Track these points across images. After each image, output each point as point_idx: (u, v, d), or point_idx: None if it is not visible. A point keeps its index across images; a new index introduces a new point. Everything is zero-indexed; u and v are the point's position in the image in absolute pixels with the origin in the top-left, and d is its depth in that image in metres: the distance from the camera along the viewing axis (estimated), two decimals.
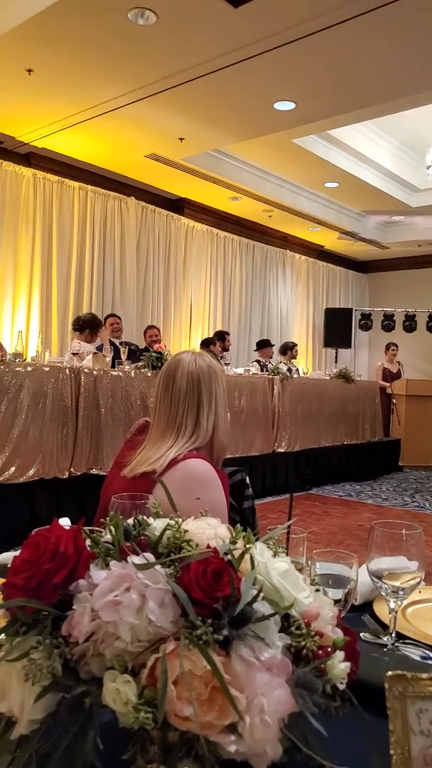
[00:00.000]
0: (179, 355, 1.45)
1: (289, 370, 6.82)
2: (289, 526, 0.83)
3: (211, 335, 7.86)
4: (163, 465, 1.28)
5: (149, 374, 4.57)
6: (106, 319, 6.24)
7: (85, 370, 4.21)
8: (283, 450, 5.98)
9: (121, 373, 4.43)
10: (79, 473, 4.11)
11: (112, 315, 6.45)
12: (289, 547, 0.90)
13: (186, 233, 8.43)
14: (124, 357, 4.87)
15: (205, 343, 7.07)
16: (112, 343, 5.80)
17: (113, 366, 4.66)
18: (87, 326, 5.43)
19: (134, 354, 5.54)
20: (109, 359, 4.61)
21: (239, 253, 9.25)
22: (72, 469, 4.10)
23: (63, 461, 4.06)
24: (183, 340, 8.34)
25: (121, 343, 5.82)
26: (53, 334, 6.79)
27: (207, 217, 8.69)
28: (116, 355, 5.10)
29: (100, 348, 5.49)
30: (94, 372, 4.26)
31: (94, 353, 4.71)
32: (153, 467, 1.29)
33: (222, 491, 1.29)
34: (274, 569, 0.59)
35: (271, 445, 5.90)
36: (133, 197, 7.66)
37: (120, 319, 6.44)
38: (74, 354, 4.66)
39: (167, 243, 8.17)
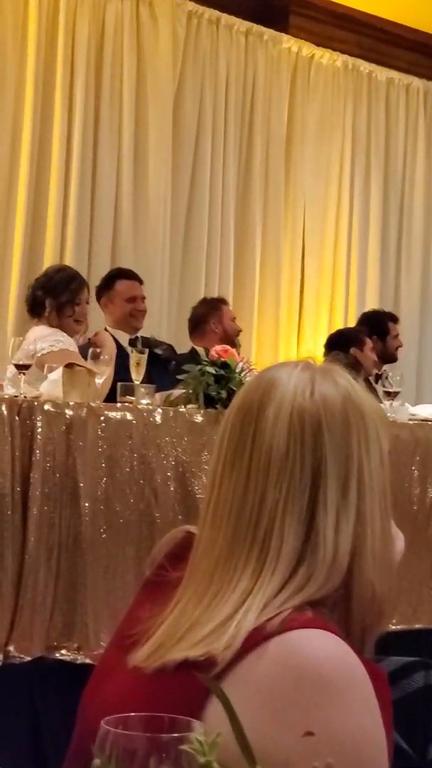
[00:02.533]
0: (272, 373, 1.56)
1: None
2: None
3: (350, 322, 8.19)
4: (232, 643, 1.35)
5: (199, 418, 4.63)
6: (108, 282, 6.50)
7: (47, 407, 4.26)
8: None
9: (131, 416, 4.46)
10: (27, 658, 4.11)
11: (125, 274, 6.65)
12: None
13: (293, 74, 8.72)
14: (136, 372, 4.97)
15: (338, 342, 7.20)
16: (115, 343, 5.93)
17: (112, 396, 4.79)
18: (55, 294, 5.65)
19: (163, 366, 5.74)
20: (102, 380, 4.64)
21: (425, 117, 9.47)
22: (11, 648, 4.12)
23: None
24: (282, 330, 8.62)
25: (135, 341, 6.03)
26: None
27: (344, 34, 9.00)
28: (122, 370, 5.15)
29: (84, 349, 5.58)
30: (68, 412, 4.29)
31: (68, 364, 4.72)
32: (208, 648, 1.36)
33: (376, 711, 1.36)
34: None
35: None
36: None
37: (141, 285, 6.66)
38: (20, 368, 4.70)
39: (248, 97, 8.50)
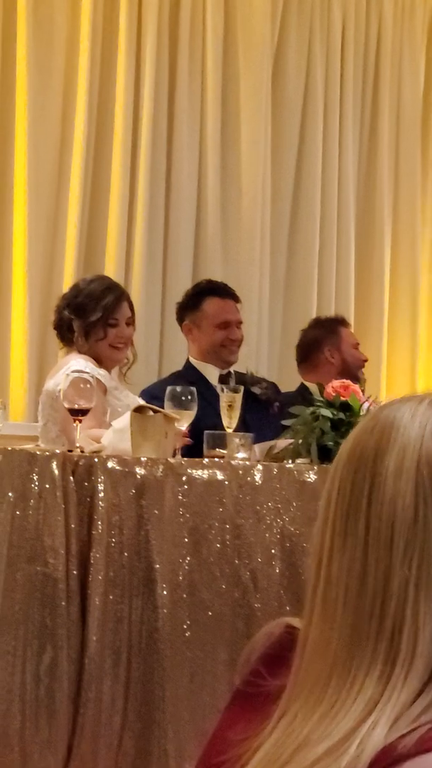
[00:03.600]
0: (390, 410, 1.56)
1: None
2: None
3: None
4: (355, 766, 1.35)
5: (311, 477, 4.68)
6: (194, 300, 6.65)
7: (111, 464, 4.38)
8: None
9: (222, 475, 4.58)
10: None
11: (217, 291, 6.75)
12: None
13: (430, 25, 8.98)
14: (229, 417, 5.07)
15: None
16: (188, 375, 6.10)
17: (199, 449, 4.93)
18: (83, 312, 5.82)
19: (264, 409, 5.92)
20: (178, 430, 4.70)
21: None
22: None
23: (38, 759, 4.26)
24: (421, 359, 8.79)
25: (227, 377, 6.28)
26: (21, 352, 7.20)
27: None
28: (211, 415, 5.26)
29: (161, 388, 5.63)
30: (139, 470, 4.38)
31: (139, 408, 4.83)
32: None
33: None
34: None
35: None
36: None
37: (238, 305, 6.76)
38: (75, 414, 4.82)
39: (371, 57, 8.67)
